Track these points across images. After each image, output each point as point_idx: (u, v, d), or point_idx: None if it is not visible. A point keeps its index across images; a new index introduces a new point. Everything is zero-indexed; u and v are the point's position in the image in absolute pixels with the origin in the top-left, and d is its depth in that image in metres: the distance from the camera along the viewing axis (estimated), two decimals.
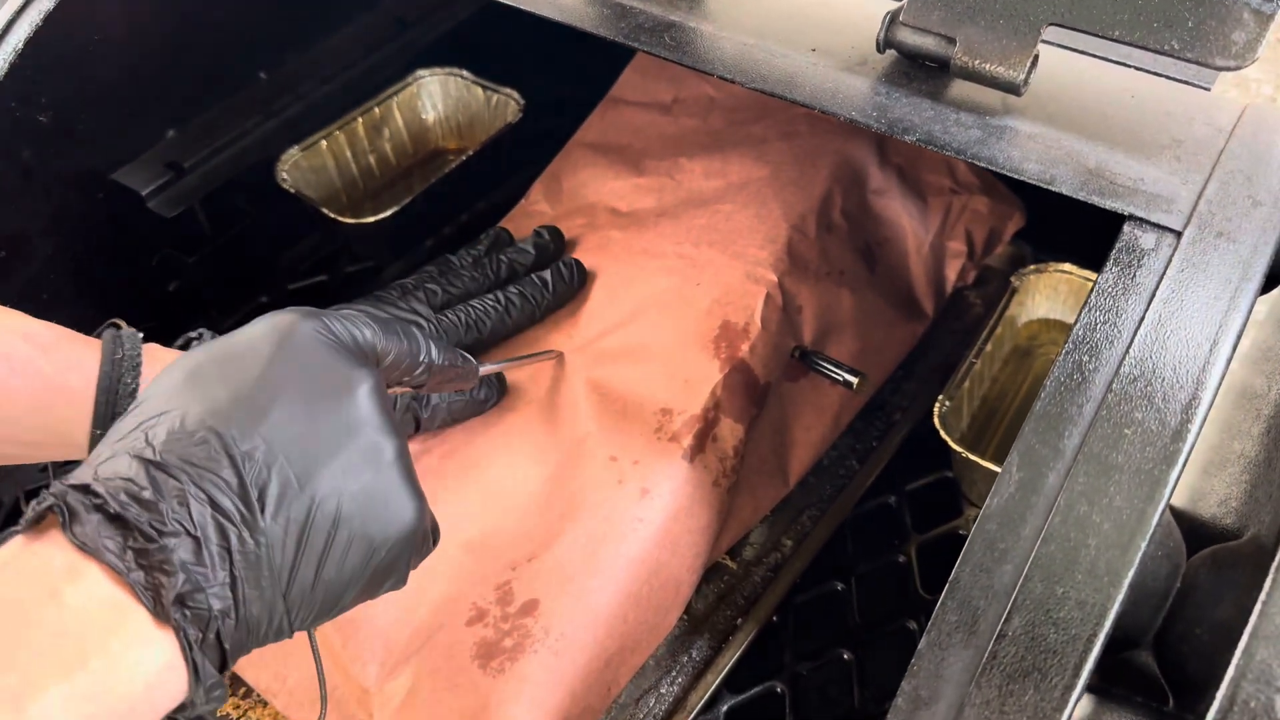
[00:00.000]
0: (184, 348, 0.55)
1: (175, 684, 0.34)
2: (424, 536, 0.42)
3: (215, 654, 0.35)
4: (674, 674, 0.59)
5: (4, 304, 0.51)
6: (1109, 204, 0.43)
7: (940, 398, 0.65)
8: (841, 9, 0.53)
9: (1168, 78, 0.52)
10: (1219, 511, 0.50)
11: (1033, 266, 0.73)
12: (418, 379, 0.50)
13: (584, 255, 0.69)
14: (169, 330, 0.78)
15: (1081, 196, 0.43)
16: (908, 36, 0.48)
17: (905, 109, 0.47)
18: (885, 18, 0.48)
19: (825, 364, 0.64)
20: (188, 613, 0.34)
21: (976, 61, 0.46)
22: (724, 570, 0.63)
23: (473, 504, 0.57)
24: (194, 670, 0.34)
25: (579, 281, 0.66)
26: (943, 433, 0.63)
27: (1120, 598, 0.35)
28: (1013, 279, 0.72)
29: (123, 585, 0.33)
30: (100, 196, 0.71)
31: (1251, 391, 0.55)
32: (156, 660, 0.34)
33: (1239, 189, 0.43)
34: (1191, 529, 0.44)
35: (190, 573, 0.34)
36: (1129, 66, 0.53)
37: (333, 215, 0.77)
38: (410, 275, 0.65)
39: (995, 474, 0.61)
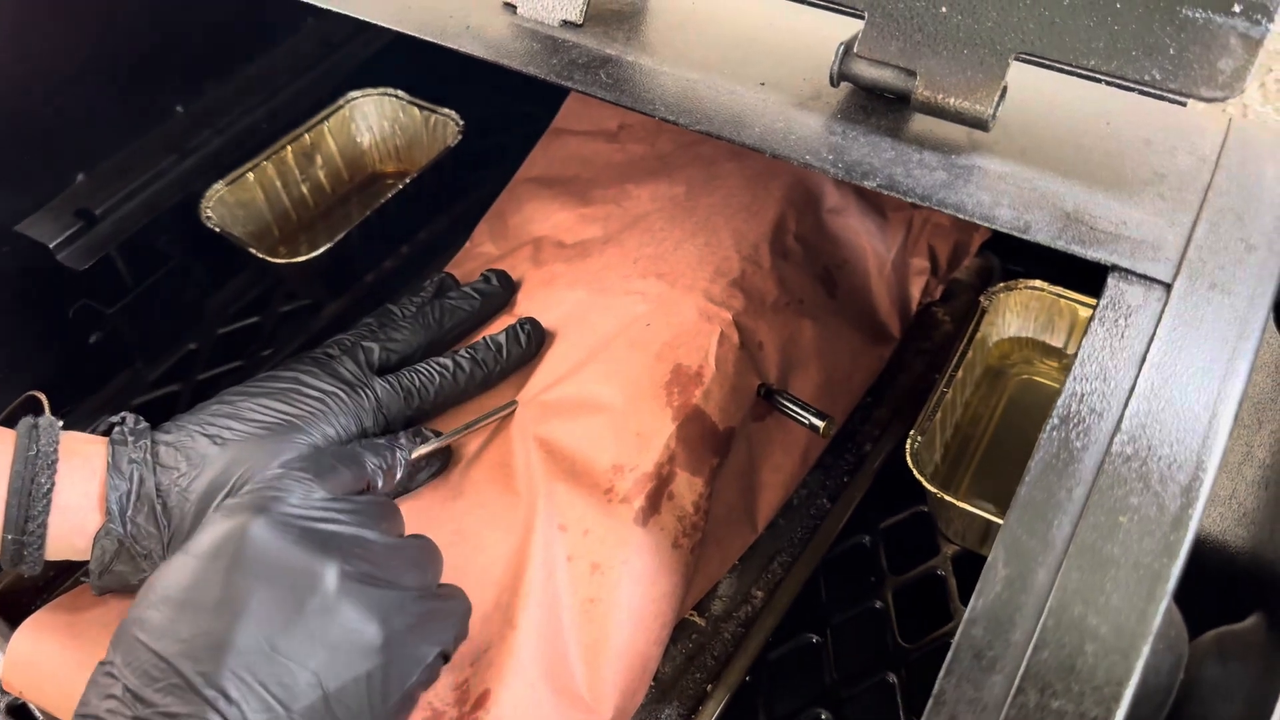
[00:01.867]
0: (106, 433, 0.51)
1: None
2: (433, 677, 0.45)
3: None
4: None
5: None
6: (1091, 254, 0.39)
7: (912, 433, 0.61)
8: (791, 36, 0.49)
9: (1140, 92, 0.49)
10: (1211, 556, 0.47)
11: (1002, 285, 0.69)
12: (402, 486, 0.55)
13: (529, 294, 0.64)
14: (91, 385, 0.74)
15: (1060, 245, 0.39)
16: (864, 69, 0.44)
17: (864, 149, 0.43)
18: (839, 49, 0.44)
19: (791, 405, 0.60)
20: None
21: (940, 95, 0.42)
22: (692, 628, 0.60)
23: None
24: None
25: (536, 344, 0.61)
26: (915, 472, 0.60)
27: (1124, 710, 0.32)
28: (981, 299, 0.69)
29: None
30: (5, 250, 0.66)
31: (1240, 420, 0.52)
32: None
33: (1230, 230, 0.39)
34: None
35: None
36: (1099, 81, 0.49)
37: (261, 255, 0.72)
38: (348, 330, 0.61)
39: (971, 514, 0.59)
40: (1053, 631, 0.33)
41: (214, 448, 0.50)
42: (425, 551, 0.47)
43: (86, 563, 0.51)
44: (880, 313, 0.69)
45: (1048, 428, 0.36)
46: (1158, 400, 0.35)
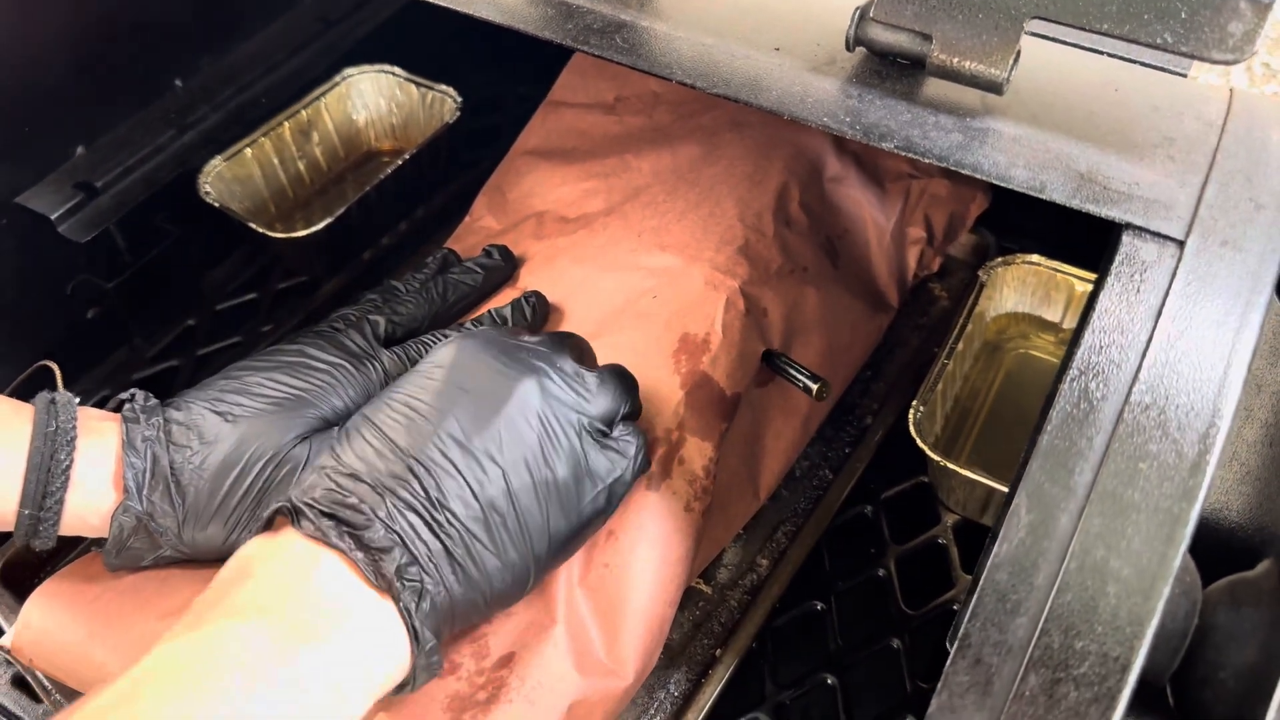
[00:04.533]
0: (116, 410, 0.51)
1: (400, 651, 0.41)
2: (608, 507, 0.49)
3: (431, 622, 0.42)
4: (651, 712, 0.56)
5: None
6: (1105, 212, 0.40)
7: (914, 403, 0.62)
8: (802, 3, 0.50)
9: (1142, 64, 0.50)
10: (1213, 518, 0.48)
11: (1000, 259, 0.70)
12: None
13: (533, 270, 0.65)
14: (89, 360, 0.74)
15: (1075, 204, 0.40)
16: (879, 34, 0.44)
17: (880, 112, 0.44)
18: (854, 14, 0.45)
19: (789, 367, 0.61)
20: (405, 584, 0.41)
21: (955, 59, 0.43)
22: (699, 595, 0.60)
23: None
24: (414, 635, 0.41)
25: (541, 317, 0.62)
26: (919, 441, 0.61)
27: (1144, 650, 0.33)
28: (980, 273, 0.70)
29: (352, 566, 0.41)
30: (4, 222, 0.65)
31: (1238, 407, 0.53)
32: (384, 629, 0.41)
33: (1239, 190, 0.40)
34: None
35: (401, 553, 0.42)
36: (1101, 53, 0.50)
37: (261, 230, 0.72)
38: (353, 304, 0.61)
39: (973, 481, 0.60)
40: (1075, 574, 0.34)
41: (225, 425, 0.50)
42: (624, 380, 0.51)
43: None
44: (879, 282, 0.70)
45: (1067, 378, 0.36)
46: (1174, 351, 0.36)
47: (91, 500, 0.49)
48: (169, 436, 0.50)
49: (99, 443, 0.49)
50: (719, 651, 0.58)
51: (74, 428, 0.48)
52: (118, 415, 0.50)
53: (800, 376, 0.61)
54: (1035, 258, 0.70)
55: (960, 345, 0.66)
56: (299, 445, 0.51)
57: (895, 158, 0.72)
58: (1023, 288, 0.71)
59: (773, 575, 0.61)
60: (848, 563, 0.63)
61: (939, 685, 0.34)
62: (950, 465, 0.60)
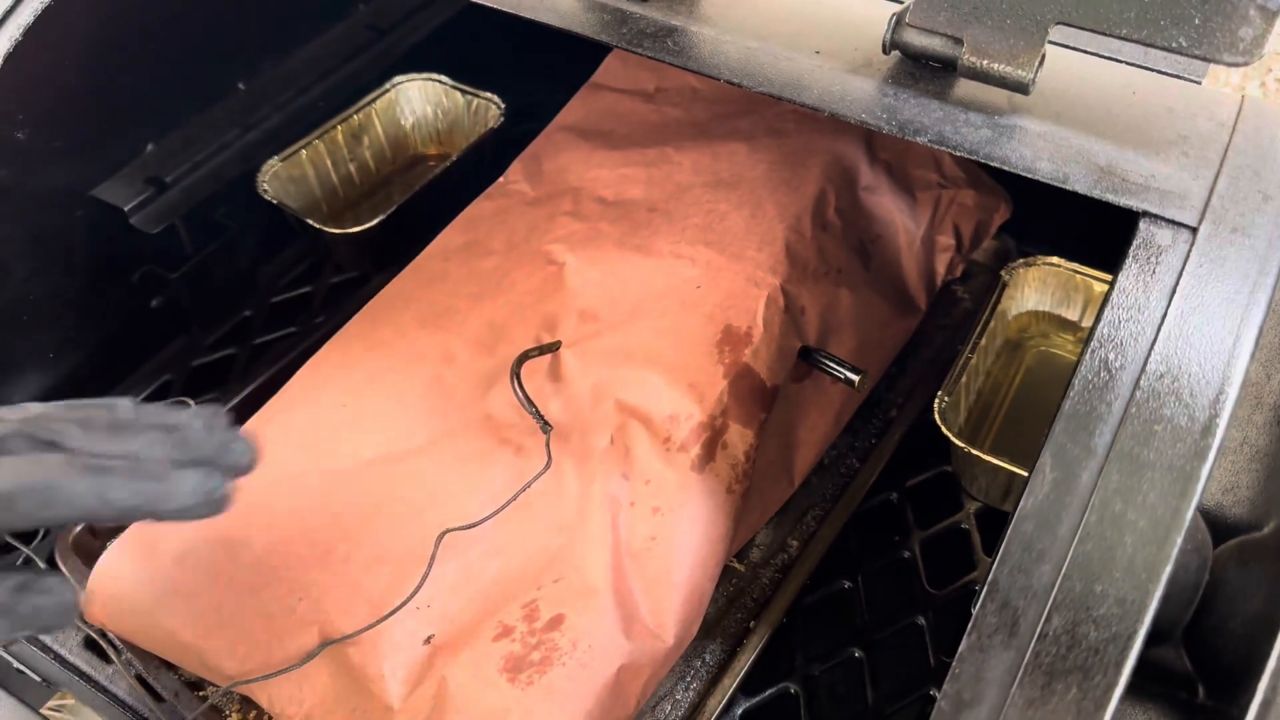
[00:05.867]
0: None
1: None
2: None
3: None
4: (688, 679, 0.59)
5: None
6: (1124, 201, 0.43)
7: (939, 394, 0.65)
8: (840, 10, 0.53)
9: (1159, 72, 0.53)
10: (1225, 499, 0.51)
11: (1021, 260, 0.73)
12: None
13: (574, 247, 0.68)
14: (151, 347, 0.78)
15: (1096, 194, 0.43)
16: (914, 38, 0.48)
17: (914, 110, 0.47)
18: (891, 19, 0.48)
19: (828, 361, 0.64)
20: None
21: (985, 62, 0.46)
22: (733, 573, 0.63)
23: (498, 528, 0.56)
24: None
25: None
26: (944, 429, 0.64)
27: (1159, 594, 0.36)
28: (1003, 273, 0.73)
29: None
30: (79, 214, 0.69)
31: (1246, 379, 0.56)
32: None
33: (1249, 184, 0.44)
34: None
35: None
36: (1120, 61, 0.53)
37: (317, 226, 0.76)
38: None
39: (997, 468, 0.63)
40: (1095, 526, 0.37)
41: None
42: None
43: None
44: (909, 285, 0.73)
45: (1088, 350, 0.40)
46: (1187, 325, 0.39)
47: None
48: None
49: None
50: (752, 624, 0.61)
51: None
52: None
53: (841, 369, 0.64)
54: (1055, 259, 0.73)
55: (983, 341, 0.69)
56: None
57: (925, 169, 0.76)
58: (1043, 287, 0.74)
59: (803, 555, 0.64)
60: (874, 545, 0.66)
61: (969, 627, 0.37)
62: (975, 452, 0.63)
